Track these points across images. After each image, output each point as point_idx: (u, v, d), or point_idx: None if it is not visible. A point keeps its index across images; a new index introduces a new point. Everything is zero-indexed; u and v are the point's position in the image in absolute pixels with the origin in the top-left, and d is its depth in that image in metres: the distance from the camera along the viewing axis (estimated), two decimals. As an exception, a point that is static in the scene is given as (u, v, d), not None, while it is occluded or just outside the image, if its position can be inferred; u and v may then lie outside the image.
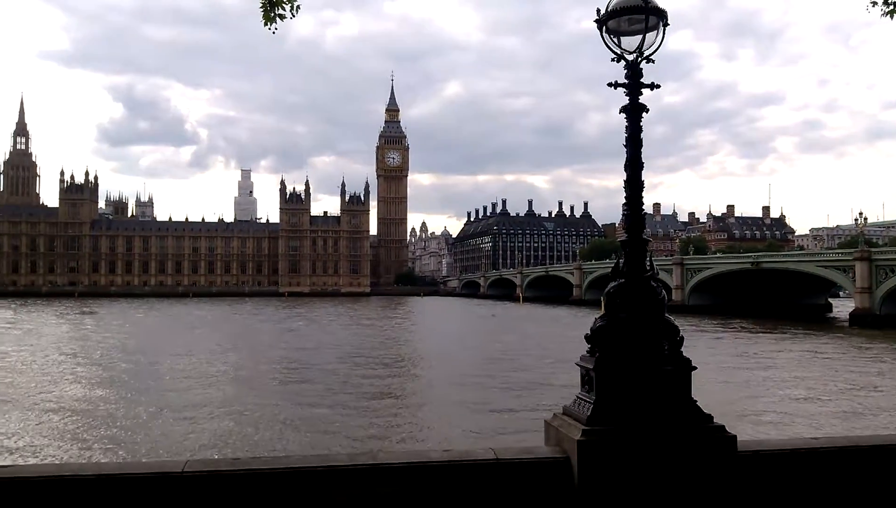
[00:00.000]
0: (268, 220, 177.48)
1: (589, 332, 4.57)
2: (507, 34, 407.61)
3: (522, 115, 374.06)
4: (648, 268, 4.57)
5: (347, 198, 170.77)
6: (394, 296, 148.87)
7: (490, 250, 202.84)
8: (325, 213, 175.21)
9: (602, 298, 4.78)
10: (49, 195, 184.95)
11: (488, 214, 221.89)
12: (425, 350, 39.75)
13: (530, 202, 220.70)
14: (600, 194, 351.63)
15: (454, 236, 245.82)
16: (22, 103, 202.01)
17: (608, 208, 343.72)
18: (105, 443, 16.42)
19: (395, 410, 21.23)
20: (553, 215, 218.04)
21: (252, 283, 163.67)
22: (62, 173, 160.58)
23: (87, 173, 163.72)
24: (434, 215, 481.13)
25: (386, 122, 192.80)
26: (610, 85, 4.72)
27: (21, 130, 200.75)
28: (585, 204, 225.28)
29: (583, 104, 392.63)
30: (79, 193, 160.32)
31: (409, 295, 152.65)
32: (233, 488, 3.95)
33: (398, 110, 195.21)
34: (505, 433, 16.95)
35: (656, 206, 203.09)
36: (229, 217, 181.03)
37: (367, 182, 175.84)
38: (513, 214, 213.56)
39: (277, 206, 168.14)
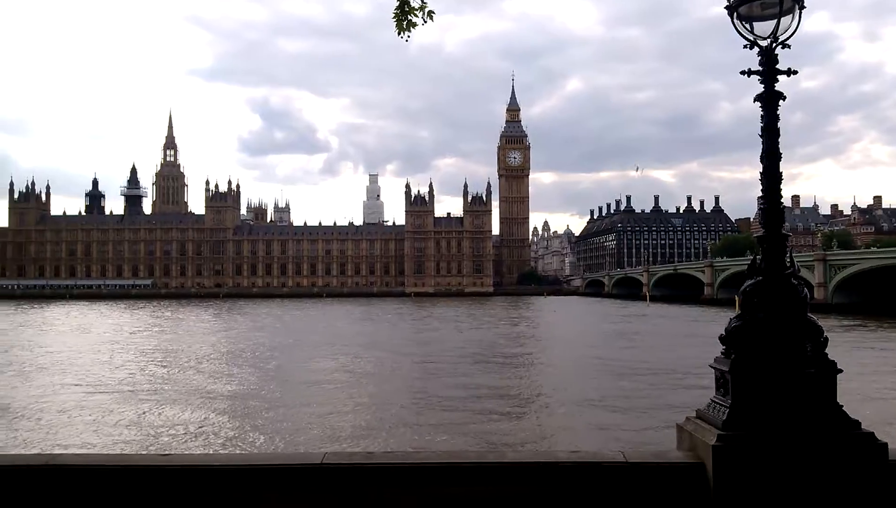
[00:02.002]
0: (394, 222, 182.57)
1: (723, 333, 4.36)
2: (629, 26, 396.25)
3: (646, 107, 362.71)
4: (788, 264, 4.31)
5: (470, 199, 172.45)
6: (516, 296, 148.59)
7: (614, 249, 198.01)
8: (449, 214, 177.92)
9: (737, 297, 4.56)
10: (196, 203, 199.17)
11: (612, 211, 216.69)
12: (553, 350, 39.46)
13: (656, 198, 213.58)
14: (732, 187, 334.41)
15: (577, 234, 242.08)
16: (171, 119, 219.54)
17: (741, 201, 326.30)
18: (253, 432, 17.53)
19: (522, 409, 21.22)
20: (681, 211, 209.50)
21: (380, 284, 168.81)
22: (207, 183, 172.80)
23: (229, 182, 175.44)
24: (556, 213, 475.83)
25: (507, 122, 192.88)
26: (743, 73, 4.48)
27: (170, 144, 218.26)
28: (716, 198, 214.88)
29: (712, 94, 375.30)
30: (222, 200, 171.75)
31: (532, 295, 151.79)
32: (367, 480, 4.08)
33: (519, 110, 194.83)
34: (635, 437, 16.52)
35: (795, 198, 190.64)
36: (358, 220, 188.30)
37: (488, 182, 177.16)
38: (638, 210, 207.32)
39: (403, 208, 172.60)
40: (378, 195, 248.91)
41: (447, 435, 17.12)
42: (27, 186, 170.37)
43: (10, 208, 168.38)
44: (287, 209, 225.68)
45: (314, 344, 41.41)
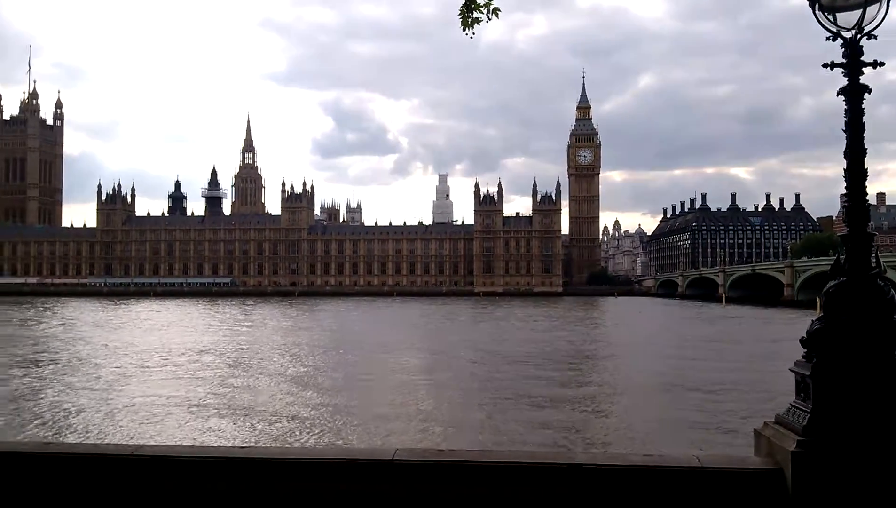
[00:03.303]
0: (463, 222, 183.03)
1: (805, 335, 4.21)
2: (704, 19, 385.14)
3: (722, 103, 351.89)
4: (874, 265, 4.14)
5: (539, 198, 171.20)
6: (586, 296, 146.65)
7: (688, 248, 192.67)
8: (518, 213, 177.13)
9: (818, 298, 4.41)
10: (272, 204, 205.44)
11: (686, 210, 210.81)
12: (627, 352, 38.86)
13: (733, 196, 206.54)
14: (814, 184, 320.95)
15: (649, 233, 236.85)
16: (248, 123, 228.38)
17: (823, 199, 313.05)
18: (326, 426, 17.98)
19: (595, 411, 21.00)
20: (759, 209, 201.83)
21: (449, 283, 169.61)
22: (283, 184, 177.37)
23: (304, 184, 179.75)
24: (627, 212, 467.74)
25: (577, 120, 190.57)
26: (825, 66, 4.32)
27: (248, 147, 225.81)
28: (797, 196, 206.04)
29: (792, 88, 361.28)
30: (297, 201, 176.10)
31: (603, 295, 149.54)
32: (438, 477, 4.13)
33: (589, 107, 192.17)
34: (710, 442, 16.10)
35: (880, 196, 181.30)
36: (428, 220, 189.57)
37: (558, 181, 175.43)
38: (713, 209, 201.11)
39: (472, 208, 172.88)
40: (447, 195, 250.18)
41: (521, 434, 17.12)
42: (114, 189, 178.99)
43: (98, 210, 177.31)
44: (359, 209, 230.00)
45: (408, 343, 42.06)
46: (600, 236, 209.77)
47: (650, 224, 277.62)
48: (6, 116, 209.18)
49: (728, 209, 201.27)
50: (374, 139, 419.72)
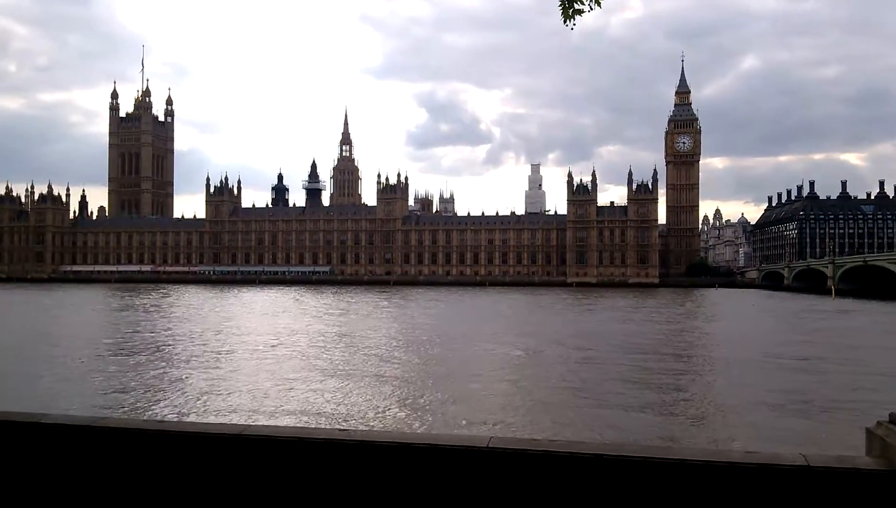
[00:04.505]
0: (555, 211, 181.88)
1: None
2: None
3: (831, 84, 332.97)
4: None
5: (635, 187, 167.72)
6: (685, 288, 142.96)
7: (795, 238, 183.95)
8: (612, 203, 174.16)
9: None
10: (368, 195, 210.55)
11: (792, 198, 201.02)
12: (732, 347, 38.50)
13: (843, 183, 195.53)
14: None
15: (752, 223, 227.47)
16: (346, 116, 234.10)
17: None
18: (422, 411, 19.38)
19: (696, 407, 21.42)
20: (872, 197, 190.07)
21: (541, 273, 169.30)
22: (378, 176, 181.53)
23: (398, 175, 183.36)
24: (729, 201, 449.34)
25: (675, 105, 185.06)
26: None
27: (346, 140, 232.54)
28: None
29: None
30: (392, 192, 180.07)
31: (702, 286, 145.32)
32: (531, 465, 4.15)
33: (689, 92, 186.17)
34: (817, 441, 16.37)
35: None
36: (520, 210, 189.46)
37: (654, 169, 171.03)
38: (822, 197, 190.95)
39: (565, 198, 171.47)
40: (540, 185, 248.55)
41: (622, 425, 17.90)
42: (221, 181, 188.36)
43: (206, 201, 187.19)
44: (452, 200, 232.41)
45: (517, 331, 43.30)
46: (700, 226, 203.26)
47: (753, 213, 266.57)
48: (122, 114, 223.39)
49: (838, 197, 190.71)
50: (466, 130, 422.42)
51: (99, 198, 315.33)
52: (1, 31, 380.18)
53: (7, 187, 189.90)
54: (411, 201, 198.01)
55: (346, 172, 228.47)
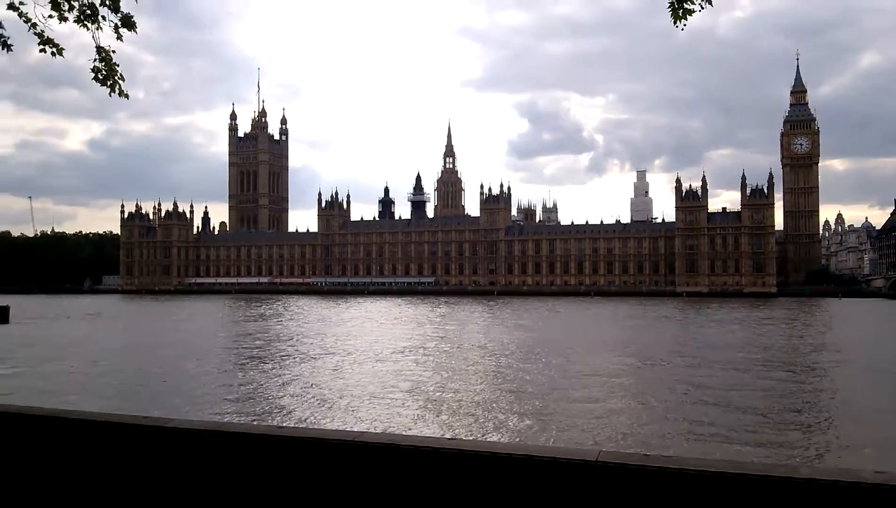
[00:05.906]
0: (663, 219, 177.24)
1: None
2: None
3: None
4: None
5: (748, 191, 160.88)
6: (804, 297, 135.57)
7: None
8: (724, 209, 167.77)
9: None
10: (471, 205, 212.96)
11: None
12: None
13: None
14: None
15: (877, 227, 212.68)
16: (449, 129, 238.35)
17: None
18: (530, 423, 20.04)
19: (812, 423, 21.04)
20: None
21: (649, 282, 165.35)
22: (481, 186, 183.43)
23: (501, 185, 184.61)
24: (851, 205, 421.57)
25: (791, 105, 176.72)
26: None
27: (449, 152, 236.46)
28: None
29: None
30: (495, 202, 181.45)
31: (823, 296, 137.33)
32: (640, 481, 4.04)
33: (805, 91, 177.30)
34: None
35: None
36: (625, 218, 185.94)
37: (770, 173, 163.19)
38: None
39: (672, 205, 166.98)
40: (646, 192, 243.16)
41: (739, 441, 17.94)
42: (332, 196, 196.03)
43: (318, 216, 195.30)
44: (554, 209, 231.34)
45: (638, 342, 43.35)
46: (820, 232, 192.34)
47: (879, 217, 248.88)
48: (240, 134, 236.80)
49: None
50: (568, 138, 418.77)
51: (220, 214, 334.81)
52: (130, 61, 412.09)
53: (137, 205, 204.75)
54: (514, 211, 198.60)
55: (450, 183, 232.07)
